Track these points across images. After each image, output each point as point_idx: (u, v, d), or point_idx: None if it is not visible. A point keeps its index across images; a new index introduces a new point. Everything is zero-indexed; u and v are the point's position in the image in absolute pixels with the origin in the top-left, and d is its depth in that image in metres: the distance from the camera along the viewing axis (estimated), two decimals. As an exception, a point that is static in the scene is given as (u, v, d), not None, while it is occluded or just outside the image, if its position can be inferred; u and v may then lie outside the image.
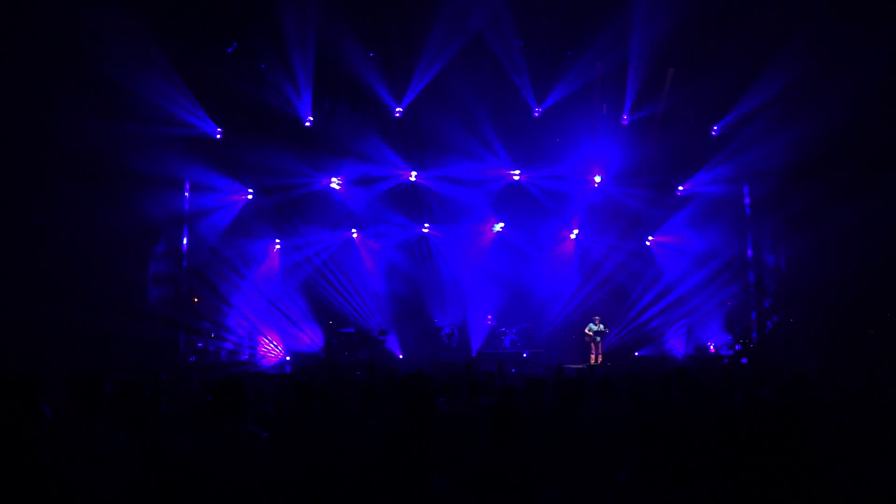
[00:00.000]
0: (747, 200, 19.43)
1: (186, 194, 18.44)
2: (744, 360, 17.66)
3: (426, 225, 20.31)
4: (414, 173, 19.62)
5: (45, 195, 14.75)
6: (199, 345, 18.44)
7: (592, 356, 18.96)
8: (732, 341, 18.77)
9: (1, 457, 2.93)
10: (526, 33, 17.48)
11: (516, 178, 19.75)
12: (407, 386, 6.88)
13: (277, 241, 19.80)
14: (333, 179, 19.43)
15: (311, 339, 19.52)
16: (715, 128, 18.65)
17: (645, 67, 18.20)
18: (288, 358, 18.94)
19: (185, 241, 18.45)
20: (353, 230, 20.16)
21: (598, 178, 19.80)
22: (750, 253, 19.33)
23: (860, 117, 15.07)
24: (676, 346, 19.41)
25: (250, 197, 19.23)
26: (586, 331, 19.17)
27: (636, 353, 19.20)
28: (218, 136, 17.95)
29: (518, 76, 18.25)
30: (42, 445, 3.18)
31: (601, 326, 19.12)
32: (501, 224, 20.27)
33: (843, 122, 15.15)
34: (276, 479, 4.41)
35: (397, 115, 18.74)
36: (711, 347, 18.97)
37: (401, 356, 19.41)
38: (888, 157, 15.23)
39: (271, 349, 19.20)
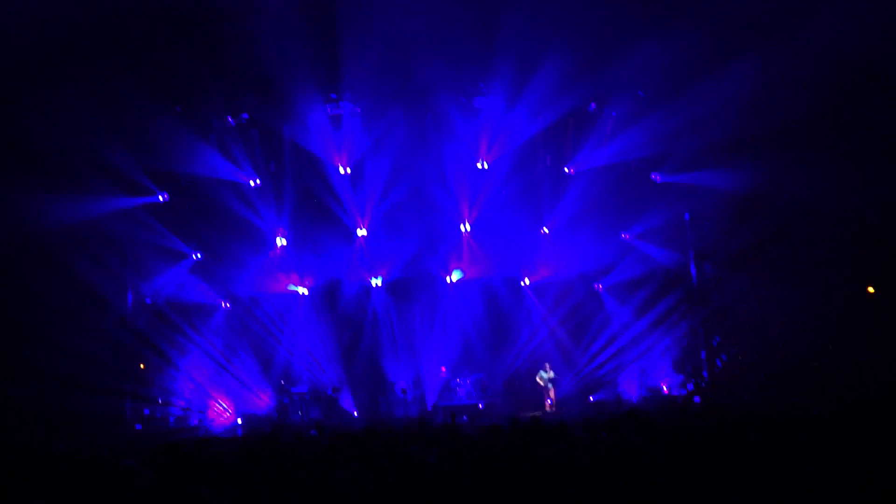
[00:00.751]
0: (690, 241, 19.88)
1: (130, 258, 18.15)
2: (696, 399, 17.89)
3: (377, 278, 20.22)
4: (364, 230, 19.67)
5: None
6: (146, 412, 17.86)
7: (547, 403, 18.95)
8: (684, 381, 19.01)
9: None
10: (469, 88, 17.93)
11: (465, 229, 19.95)
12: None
13: (225, 302, 19.44)
14: (279, 238, 19.37)
15: (263, 399, 19.06)
16: (655, 175, 19.23)
17: (587, 118, 18.89)
18: (239, 421, 18.43)
19: (129, 305, 18.04)
20: (302, 287, 19.92)
21: (545, 229, 20.16)
22: (696, 292, 19.70)
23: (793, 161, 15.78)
24: (630, 388, 19.53)
25: (197, 258, 18.98)
26: (537, 378, 19.19)
27: (591, 398, 19.24)
28: (161, 200, 17.93)
29: (463, 129, 18.67)
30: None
31: (551, 373, 19.16)
32: (458, 273, 20.26)
33: (776, 165, 15.88)
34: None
35: (345, 172, 18.96)
36: (664, 388, 19.16)
37: (356, 413, 19.07)
38: (822, 203, 15.90)
39: (221, 412, 18.68)
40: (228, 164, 18.50)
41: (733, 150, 17.49)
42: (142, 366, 18.05)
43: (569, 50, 16.14)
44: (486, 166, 19.40)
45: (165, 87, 16.43)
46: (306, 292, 19.88)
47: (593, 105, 18.80)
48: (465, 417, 16.97)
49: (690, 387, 18.62)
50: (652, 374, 19.57)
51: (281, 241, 19.46)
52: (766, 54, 14.87)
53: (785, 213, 16.46)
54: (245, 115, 18.21)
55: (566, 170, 19.69)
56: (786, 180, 16.04)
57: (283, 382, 19.12)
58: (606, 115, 18.82)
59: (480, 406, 18.68)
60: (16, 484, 4.42)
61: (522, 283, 20.54)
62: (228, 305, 19.46)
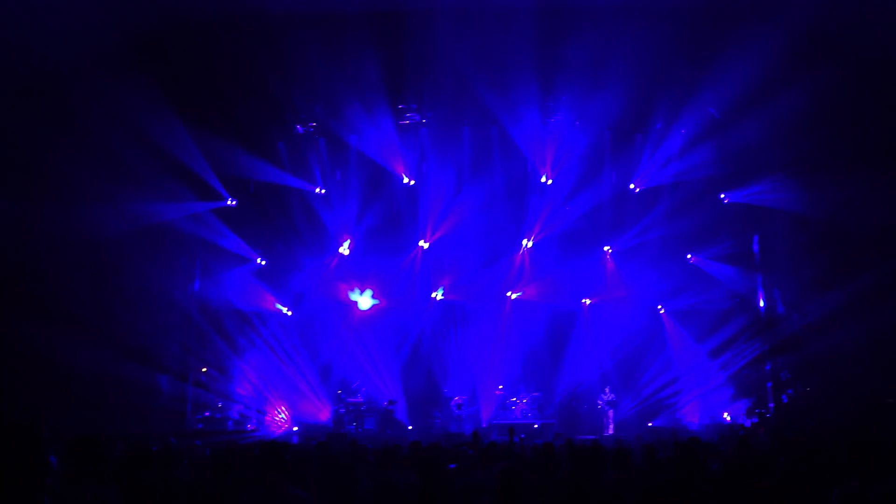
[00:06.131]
0: (759, 266, 19.27)
1: (198, 261, 18.63)
2: (760, 431, 17.22)
3: (437, 291, 20.21)
4: (426, 243, 19.72)
5: (55, 264, 14.92)
6: (206, 413, 18.22)
7: (606, 426, 18.55)
8: (749, 411, 18.35)
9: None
10: (536, 102, 17.85)
11: (527, 245, 19.81)
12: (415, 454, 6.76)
13: (287, 308, 19.71)
14: (342, 247, 19.58)
15: (319, 408, 19.20)
16: (724, 196, 18.76)
17: (655, 135, 18.55)
18: (295, 428, 18.61)
19: (195, 307, 18.46)
20: (363, 296, 20.01)
21: (607, 248, 19.90)
22: (763, 320, 19.04)
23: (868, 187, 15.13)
24: (691, 416, 18.98)
25: (261, 263, 19.35)
26: (598, 401, 18.84)
27: (650, 424, 18.75)
28: (231, 204, 18.41)
29: (529, 144, 18.58)
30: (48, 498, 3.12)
31: (612, 396, 18.77)
32: (519, 293, 20.12)
33: (853, 188, 15.26)
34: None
35: (409, 183, 19.12)
36: (727, 417, 18.55)
37: (410, 427, 19.03)
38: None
39: (278, 418, 18.90)
40: (296, 172, 18.88)
41: (808, 171, 16.90)
42: (203, 370, 18.41)
43: (638, 66, 15.90)
44: (550, 182, 19.26)
45: (238, 94, 16.87)
46: (366, 302, 20.01)
47: (661, 122, 18.42)
48: (522, 435, 16.74)
49: (755, 419, 17.95)
50: (714, 402, 18.98)
51: (344, 250, 19.68)
52: (844, 71, 14.33)
53: (861, 239, 15.76)
54: (313, 124, 18.54)
55: (631, 187, 19.39)
56: (863, 204, 15.38)
57: (339, 392, 19.24)
58: (675, 132, 18.41)
59: (536, 425, 18.42)
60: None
61: (584, 303, 20.25)
62: (290, 312, 19.73)
